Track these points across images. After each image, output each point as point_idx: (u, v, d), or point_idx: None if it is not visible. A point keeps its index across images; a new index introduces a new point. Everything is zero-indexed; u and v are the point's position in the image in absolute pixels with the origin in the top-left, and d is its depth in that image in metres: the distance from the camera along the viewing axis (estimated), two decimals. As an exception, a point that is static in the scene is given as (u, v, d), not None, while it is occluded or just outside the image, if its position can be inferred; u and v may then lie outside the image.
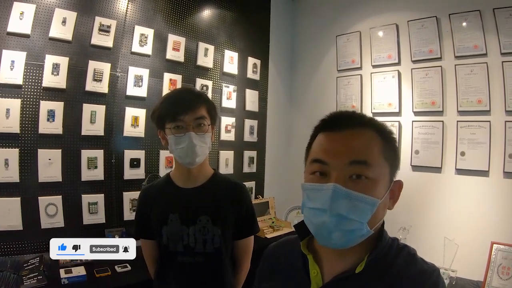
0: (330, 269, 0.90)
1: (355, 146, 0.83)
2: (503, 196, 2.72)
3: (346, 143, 0.84)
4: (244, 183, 3.55)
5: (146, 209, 1.71)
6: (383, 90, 3.44)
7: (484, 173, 2.81)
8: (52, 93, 2.46)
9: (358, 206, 0.79)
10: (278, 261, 1.07)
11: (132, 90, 2.83)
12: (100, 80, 2.64)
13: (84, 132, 2.58)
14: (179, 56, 3.15)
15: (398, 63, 3.37)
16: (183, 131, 1.56)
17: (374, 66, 3.54)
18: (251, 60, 3.84)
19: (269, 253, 1.13)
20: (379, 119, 0.91)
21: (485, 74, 2.84)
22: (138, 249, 1.87)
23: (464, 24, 2.95)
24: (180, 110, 1.56)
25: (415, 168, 3.16)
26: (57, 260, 2.31)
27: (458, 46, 2.98)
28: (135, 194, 2.75)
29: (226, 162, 3.56)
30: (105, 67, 2.67)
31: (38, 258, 2.22)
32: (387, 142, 0.87)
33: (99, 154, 2.66)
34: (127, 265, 2.38)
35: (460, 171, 2.92)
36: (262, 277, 1.10)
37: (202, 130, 1.59)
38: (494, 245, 2.55)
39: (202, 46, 3.33)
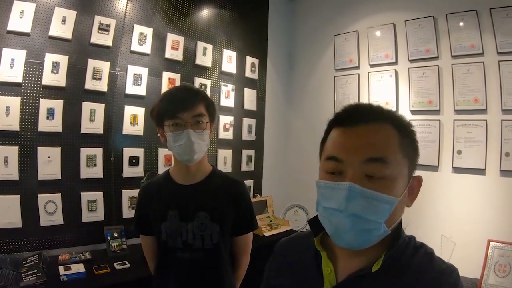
0: (344, 267, 0.87)
1: (372, 142, 0.79)
2: (500, 194, 2.73)
3: (362, 139, 0.80)
4: (242, 181, 3.51)
5: (145, 205, 1.72)
6: (381, 89, 3.46)
7: (480, 172, 2.82)
8: (52, 91, 2.46)
9: (376, 205, 0.76)
10: (289, 257, 1.03)
11: (131, 89, 2.84)
12: (100, 79, 2.65)
13: (83, 130, 2.59)
14: (178, 55, 3.16)
15: (396, 63, 3.38)
16: (181, 129, 1.57)
17: (371, 66, 3.55)
18: (249, 59, 3.85)
19: (280, 249, 1.10)
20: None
21: (481, 73, 2.85)
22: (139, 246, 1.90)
23: (461, 24, 2.96)
24: (179, 107, 1.57)
25: (412, 166, 3.15)
26: (57, 257, 2.34)
27: (455, 45, 2.99)
28: (134, 192, 2.75)
29: (224, 161, 3.57)
30: (105, 66, 2.68)
31: (38, 255, 2.21)
32: (406, 137, 0.83)
33: (98, 152, 2.66)
34: (126, 262, 2.40)
35: (456, 170, 2.94)
36: (271, 273, 1.06)
37: (200, 127, 1.60)
38: (491, 242, 2.57)
39: (200, 45, 3.34)
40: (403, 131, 0.83)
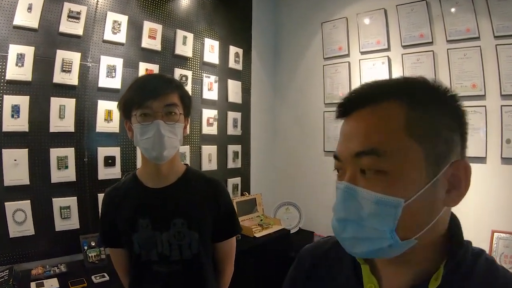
0: (390, 282, 0.72)
1: (361, 131, 0.64)
2: (502, 183, 2.66)
3: (352, 129, 0.66)
4: (229, 179, 3.39)
5: (111, 214, 1.51)
6: (373, 77, 3.27)
7: (481, 160, 2.75)
8: (17, 87, 2.27)
9: (374, 208, 0.61)
10: (321, 265, 0.88)
11: (104, 82, 2.65)
12: (70, 71, 2.46)
13: (52, 128, 2.40)
14: (156, 45, 2.98)
15: (388, 49, 3.27)
16: (150, 119, 1.37)
17: (362, 53, 3.45)
18: (232, 49, 3.70)
19: (307, 258, 0.93)
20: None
21: (478, 58, 2.77)
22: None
23: (455, 7, 2.88)
24: (148, 95, 1.37)
25: (409, 157, 3.05)
26: (29, 271, 2.17)
27: (450, 29, 2.91)
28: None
29: (209, 158, 3.40)
30: (75, 57, 2.49)
31: (8, 270, 2.07)
32: (420, 111, 0.62)
33: (69, 152, 2.47)
34: (105, 274, 2.23)
35: (456, 159, 2.83)
36: (298, 282, 0.91)
37: (172, 119, 1.41)
38: (495, 233, 2.55)
39: (180, 33, 3.17)
40: (416, 104, 0.63)
